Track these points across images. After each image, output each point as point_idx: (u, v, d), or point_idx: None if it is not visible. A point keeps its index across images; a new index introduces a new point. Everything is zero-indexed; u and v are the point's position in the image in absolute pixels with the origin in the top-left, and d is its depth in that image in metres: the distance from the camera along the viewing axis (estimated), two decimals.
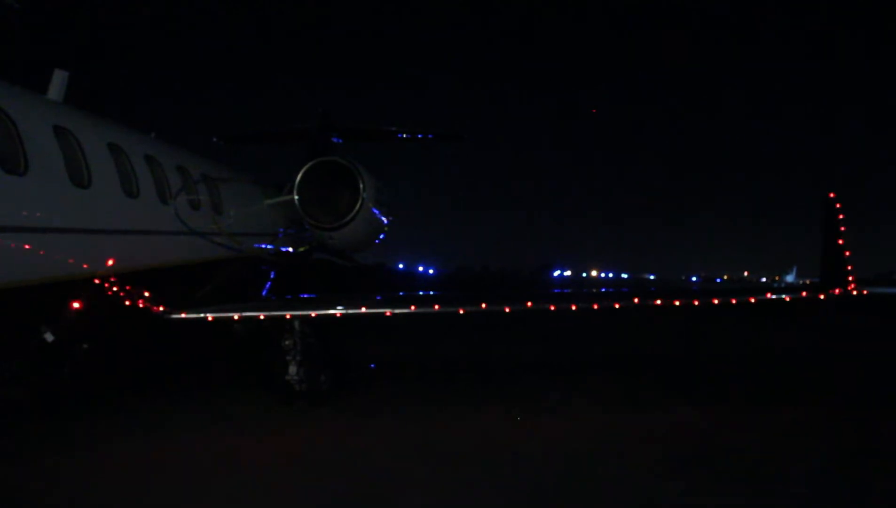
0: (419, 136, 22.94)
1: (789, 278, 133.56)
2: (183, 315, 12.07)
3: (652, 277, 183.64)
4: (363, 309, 13.33)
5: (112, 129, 11.42)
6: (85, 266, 9.91)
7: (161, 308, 11.85)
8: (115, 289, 10.59)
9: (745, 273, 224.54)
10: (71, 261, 9.65)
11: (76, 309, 9.95)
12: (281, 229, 17.73)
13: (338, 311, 13.15)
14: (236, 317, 12.79)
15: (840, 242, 16.19)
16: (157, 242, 11.69)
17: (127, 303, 11.10)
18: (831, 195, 16.34)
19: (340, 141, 22.22)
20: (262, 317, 13.17)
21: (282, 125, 24.63)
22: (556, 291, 35.33)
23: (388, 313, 13.37)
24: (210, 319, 12.31)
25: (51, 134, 9.49)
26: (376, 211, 17.61)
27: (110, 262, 10.36)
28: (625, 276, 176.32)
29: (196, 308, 12.43)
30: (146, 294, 11.47)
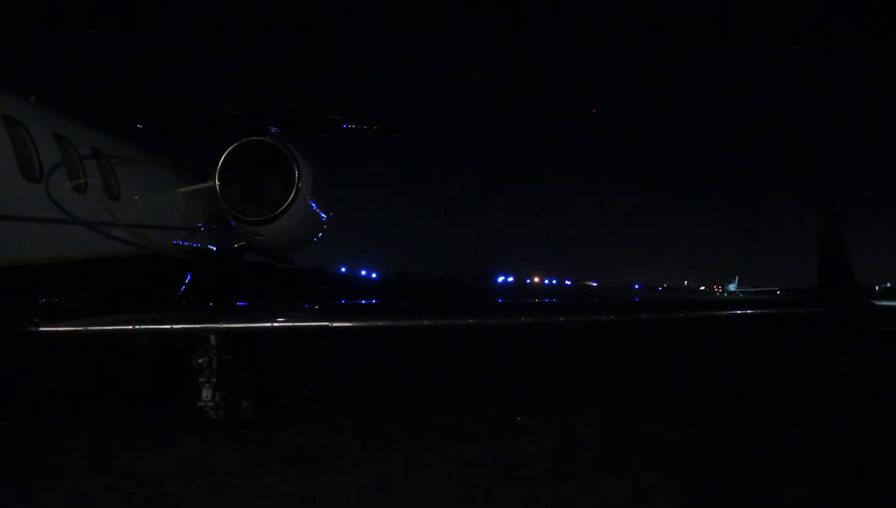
0: (364, 127, 20.42)
1: (732, 287, 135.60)
2: (57, 328, 9.32)
3: (594, 284, 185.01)
4: (298, 323, 11.30)
5: None
6: None
7: (26, 318, 9.11)
8: None
9: (685, 282, 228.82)
10: None
11: None
12: (200, 224, 14.94)
13: (265, 324, 10.86)
14: (130, 329, 10.10)
15: (838, 249, 15.01)
16: (16, 231, 8.76)
17: None
18: (829, 196, 15.41)
19: (277, 130, 19.68)
20: (165, 330, 10.55)
21: (211, 111, 22.17)
22: (528, 302, 34.35)
23: (329, 327, 10.98)
24: (92, 332, 9.60)
25: None
26: (313, 204, 15.15)
27: None
28: (568, 283, 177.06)
29: (75, 319, 9.69)
30: (1, 300, 8.71)
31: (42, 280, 9.42)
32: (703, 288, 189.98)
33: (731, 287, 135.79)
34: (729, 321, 23.19)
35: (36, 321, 9.24)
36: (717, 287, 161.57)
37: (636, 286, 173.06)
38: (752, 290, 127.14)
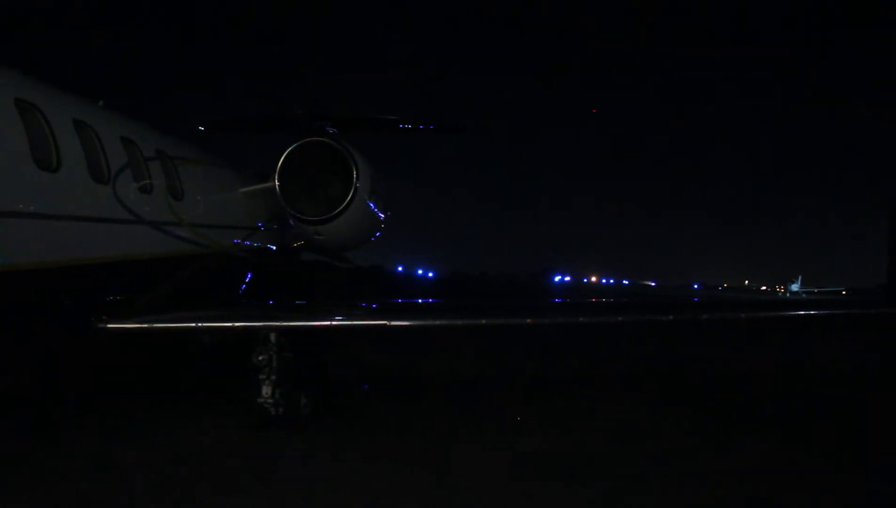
0: (420, 126, 20.49)
1: (794, 288, 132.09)
2: (123, 325, 9.58)
3: (653, 284, 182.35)
4: (356, 321, 11.40)
5: (20, 82, 8.64)
6: None
7: (95, 315, 9.39)
8: (25, 291, 8.08)
9: (746, 282, 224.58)
10: None
11: None
12: (260, 223, 15.20)
13: (324, 322, 10.95)
14: (193, 327, 10.34)
15: None
16: (87, 231, 9.05)
17: (44, 309, 8.63)
18: None
19: (335, 131, 19.88)
20: (227, 328, 10.78)
21: (270, 112, 22.48)
22: (591, 301, 34.09)
23: (387, 326, 11.04)
24: (157, 329, 9.85)
25: None
26: (371, 204, 15.22)
27: (19, 255, 7.83)
28: (626, 282, 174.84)
29: (141, 316, 9.94)
30: (70, 297, 8.98)
31: (110, 278, 9.73)
32: (764, 288, 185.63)
33: (794, 287, 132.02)
34: (793, 322, 22.59)
35: (104, 317, 9.50)
36: (780, 287, 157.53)
37: (696, 286, 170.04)
38: (815, 290, 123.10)
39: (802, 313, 15.26)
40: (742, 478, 8.98)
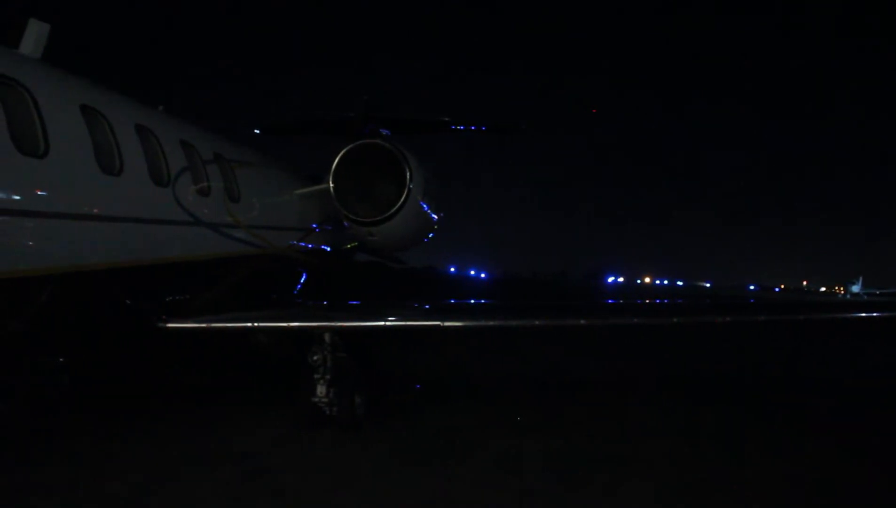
0: (473, 127, 20.49)
1: (855, 289, 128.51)
2: (182, 324, 9.79)
3: (708, 285, 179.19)
4: (410, 322, 11.39)
5: (85, 89, 8.94)
6: (49, 260, 7.59)
7: (155, 315, 9.61)
8: (89, 291, 8.31)
9: (804, 282, 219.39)
10: (30, 253, 7.38)
11: (38, 316, 7.72)
12: (315, 225, 15.38)
13: (378, 323, 11.02)
14: (249, 327, 10.50)
15: None
16: (147, 232, 9.28)
17: (108, 308, 8.87)
18: None
19: (388, 133, 20.02)
20: (283, 328, 10.93)
21: (324, 114, 22.71)
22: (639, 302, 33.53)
23: (441, 326, 11.07)
24: (215, 329, 10.04)
25: None
26: (424, 205, 15.28)
27: (84, 256, 8.05)
28: (680, 283, 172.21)
29: (200, 316, 10.14)
30: (133, 297, 9.20)
31: (169, 279, 9.95)
32: (823, 289, 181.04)
33: (855, 288, 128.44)
34: (855, 324, 21.99)
35: (164, 317, 9.72)
36: (839, 289, 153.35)
37: (751, 287, 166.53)
38: (877, 292, 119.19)
39: (864, 314, 14.82)
40: None
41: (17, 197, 7.14)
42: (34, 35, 8.69)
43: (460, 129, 20.23)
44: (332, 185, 13.89)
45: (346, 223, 14.84)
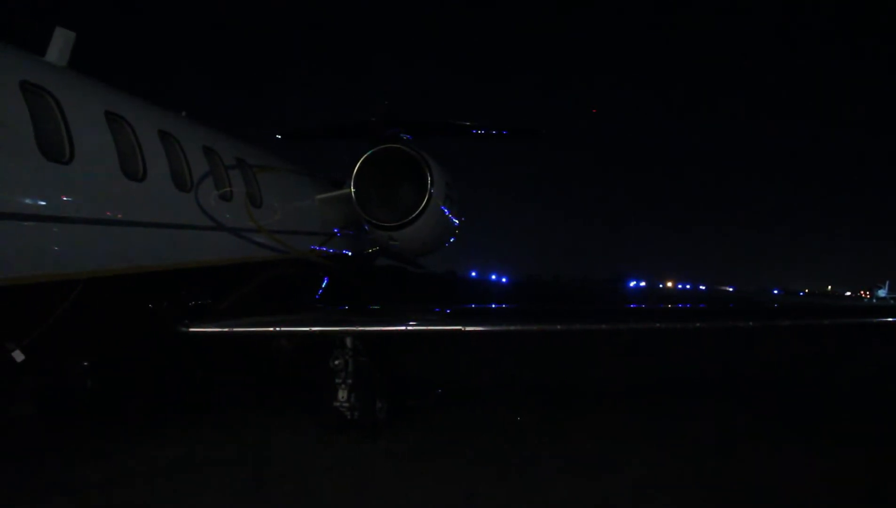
0: (494, 131, 20.45)
1: (882, 293, 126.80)
2: (205, 329, 9.84)
3: (731, 289, 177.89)
4: (431, 326, 11.34)
5: (110, 96, 9.05)
6: (73, 265, 7.66)
7: (178, 319, 9.68)
8: (113, 295, 8.36)
9: (829, 287, 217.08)
10: (55, 258, 7.45)
11: (62, 320, 7.78)
12: (336, 229, 15.41)
13: (399, 327, 11.04)
14: (271, 331, 10.56)
15: None
16: (170, 237, 9.36)
17: (131, 312, 8.93)
18: None
19: (409, 138, 20.03)
20: (304, 332, 10.97)
21: (344, 118, 22.81)
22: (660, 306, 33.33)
23: (462, 331, 11.05)
24: (237, 333, 10.10)
25: (19, 96, 7.26)
26: (445, 209, 15.24)
27: (108, 261, 8.12)
28: (702, 288, 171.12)
29: (223, 321, 10.19)
30: (155, 302, 9.27)
31: (191, 284, 10.00)
32: (848, 294, 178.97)
33: (882, 293, 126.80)
34: (884, 329, 21.66)
35: (186, 321, 9.78)
36: (865, 293, 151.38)
37: (775, 292, 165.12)
38: None
39: (891, 320, 14.61)
40: None
41: (43, 203, 7.23)
42: (60, 43, 8.79)
43: (482, 133, 20.19)
44: (353, 189, 13.89)
45: (366, 228, 14.85)
